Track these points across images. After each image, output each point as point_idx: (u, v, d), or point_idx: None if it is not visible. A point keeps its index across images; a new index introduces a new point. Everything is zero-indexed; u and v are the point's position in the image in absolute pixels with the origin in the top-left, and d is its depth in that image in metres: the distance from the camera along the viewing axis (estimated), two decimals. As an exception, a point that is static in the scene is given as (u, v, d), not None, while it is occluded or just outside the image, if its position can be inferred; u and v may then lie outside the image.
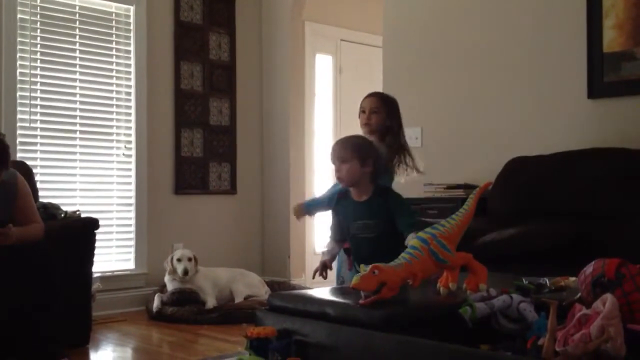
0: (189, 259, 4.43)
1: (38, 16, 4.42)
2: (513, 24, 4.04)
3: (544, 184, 3.49)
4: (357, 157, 2.65)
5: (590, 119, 3.67)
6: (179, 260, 4.42)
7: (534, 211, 3.44)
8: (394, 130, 3.18)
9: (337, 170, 2.65)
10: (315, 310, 2.09)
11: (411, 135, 4.48)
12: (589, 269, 1.89)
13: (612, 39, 3.58)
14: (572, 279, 2.27)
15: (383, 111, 3.16)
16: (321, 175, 5.91)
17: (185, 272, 4.37)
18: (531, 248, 3.01)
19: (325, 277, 2.79)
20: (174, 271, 4.42)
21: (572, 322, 1.65)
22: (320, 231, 5.73)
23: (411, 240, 2.37)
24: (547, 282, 2.31)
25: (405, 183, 3.20)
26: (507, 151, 3.83)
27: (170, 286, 4.45)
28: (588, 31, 3.66)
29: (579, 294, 1.91)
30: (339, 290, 2.47)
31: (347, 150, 2.66)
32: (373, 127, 3.15)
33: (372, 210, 2.66)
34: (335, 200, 2.78)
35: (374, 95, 3.25)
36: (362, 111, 3.21)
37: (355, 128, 6.28)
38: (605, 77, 3.61)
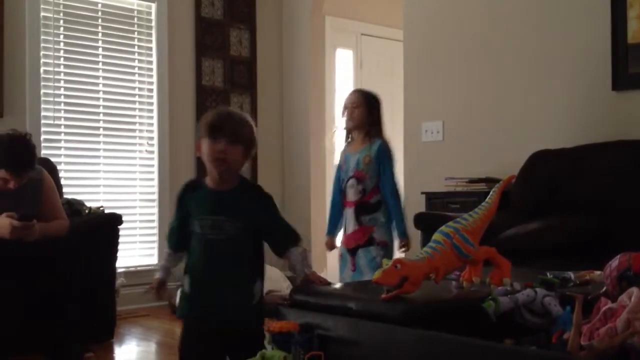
0: None
1: (61, 14, 4.47)
2: (536, 16, 4.00)
3: (567, 177, 3.46)
4: (244, 143, 2.12)
5: (615, 111, 3.62)
6: None
7: (557, 205, 3.41)
8: (377, 123, 3.28)
9: (222, 151, 2.05)
10: (337, 304, 2.09)
11: (432, 129, 4.48)
12: (614, 262, 1.87)
13: (637, 30, 3.52)
14: (597, 272, 2.24)
15: (364, 106, 3.25)
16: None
17: None
18: (555, 242, 2.99)
19: (160, 298, 2.28)
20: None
21: (597, 316, 1.63)
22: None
23: (296, 255, 2.17)
24: (572, 276, 2.28)
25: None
26: (530, 144, 3.80)
27: (193, 281, 4.47)
28: (612, 22, 3.60)
29: (605, 288, 1.89)
30: (361, 285, 2.47)
31: (243, 131, 2.11)
32: (356, 121, 3.25)
33: (234, 203, 2.11)
34: (181, 192, 2.19)
35: (355, 92, 3.38)
36: (345, 107, 3.30)
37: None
38: (630, 68, 3.55)
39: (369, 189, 3.21)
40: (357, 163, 3.22)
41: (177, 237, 2.19)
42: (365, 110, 3.25)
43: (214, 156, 2.06)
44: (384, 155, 3.23)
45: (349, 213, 3.23)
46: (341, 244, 3.28)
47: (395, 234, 3.24)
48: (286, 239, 2.18)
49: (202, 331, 2.13)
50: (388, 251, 3.20)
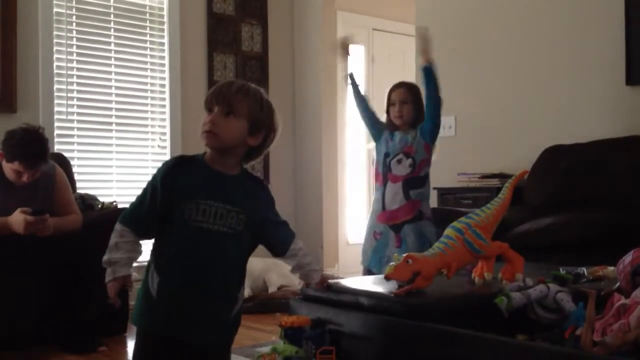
0: None
1: (74, 10, 4.48)
2: (548, 10, 3.97)
3: (581, 173, 3.44)
4: (249, 119, 1.77)
5: (629, 106, 3.60)
6: None
7: (570, 200, 3.39)
8: (422, 119, 3.15)
9: (212, 122, 1.72)
10: (349, 299, 2.09)
11: (445, 124, 4.45)
12: (627, 258, 1.86)
13: (651, 24, 3.50)
14: (611, 268, 2.23)
15: (411, 101, 3.15)
16: (354, 166, 5.90)
17: None
18: (568, 238, 2.97)
19: (118, 305, 1.74)
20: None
21: (610, 312, 1.63)
22: (353, 221, 5.73)
23: (303, 252, 1.92)
24: (585, 272, 2.27)
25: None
26: (543, 140, 3.78)
27: (205, 276, 4.48)
28: (626, 15, 3.57)
29: (618, 284, 1.88)
30: (373, 280, 2.47)
31: (247, 102, 1.76)
32: (406, 118, 3.14)
33: (241, 192, 1.77)
34: (171, 166, 1.77)
35: (401, 86, 3.21)
36: (392, 104, 3.17)
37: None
38: (645, 63, 3.53)
39: (418, 162, 3.09)
40: (406, 141, 3.11)
41: (147, 220, 1.73)
42: (414, 106, 3.15)
43: (205, 127, 1.72)
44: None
45: (395, 189, 3.09)
46: (378, 221, 3.14)
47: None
48: (288, 236, 1.91)
49: (165, 351, 1.73)
50: (434, 224, 3.08)
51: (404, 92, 3.16)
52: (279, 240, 1.90)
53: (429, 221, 3.09)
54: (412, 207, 3.07)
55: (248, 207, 1.76)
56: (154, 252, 1.76)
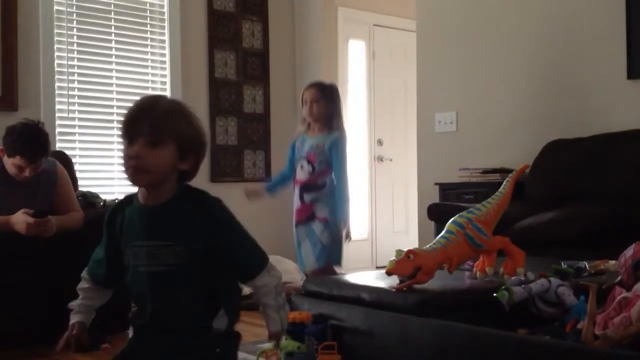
0: None
1: (74, 7, 4.49)
2: (550, 4, 3.96)
3: (582, 167, 3.44)
4: (178, 142, 1.51)
5: (630, 100, 3.59)
6: None
7: (572, 195, 3.39)
8: (336, 115, 3.36)
9: (136, 156, 1.47)
10: (351, 295, 2.10)
11: (446, 119, 4.46)
12: (629, 251, 1.86)
13: (652, 18, 3.49)
14: (612, 262, 2.24)
15: (323, 100, 3.35)
16: (354, 163, 5.90)
17: None
18: (570, 232, 2.97)
19: (82, 347, 1.71)
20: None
21: (612, 305, 1.63)
22: (355, 217, 5.72)
23: (269, 287, 1.64)
24: (587, 266, 2.28)
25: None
26: (545, 134, 3.78)
27: (207, 273, 4.49)
28: (627, 9, 3.56)
29: (619, 277, 1.88)
30: (375, 275, 2.47)
31: (173, 125, 1.50)
32: (315, 116, 3.34)
33: (169, 222, 1.54)
34: (109, 214, 1.63)
35: (313, 86, 3.42)
36: (305, 102, 3.38)
37: (390, 114, 6.23)
38: (646, 56, 3.52)
39: (317, 171, 3.31)
40: (311, 147, 3.33)
41: (105, 270, 1.65)
42: (324, 104, 3.33)
43: (127, 163, 1.49)
44: (337, 147, 3.30)
45: (296, 191, 3.38)
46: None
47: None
48: (249, 263, 1.63)
49: None
50: (327, 226, 3.28)
51: (315, 92, 3.37)
52: (239, 268, 1.63)
53: (320, 222, 3.29)
54: (306, 210, 3.33)
55: (183, 235, 1.52)
56: None
